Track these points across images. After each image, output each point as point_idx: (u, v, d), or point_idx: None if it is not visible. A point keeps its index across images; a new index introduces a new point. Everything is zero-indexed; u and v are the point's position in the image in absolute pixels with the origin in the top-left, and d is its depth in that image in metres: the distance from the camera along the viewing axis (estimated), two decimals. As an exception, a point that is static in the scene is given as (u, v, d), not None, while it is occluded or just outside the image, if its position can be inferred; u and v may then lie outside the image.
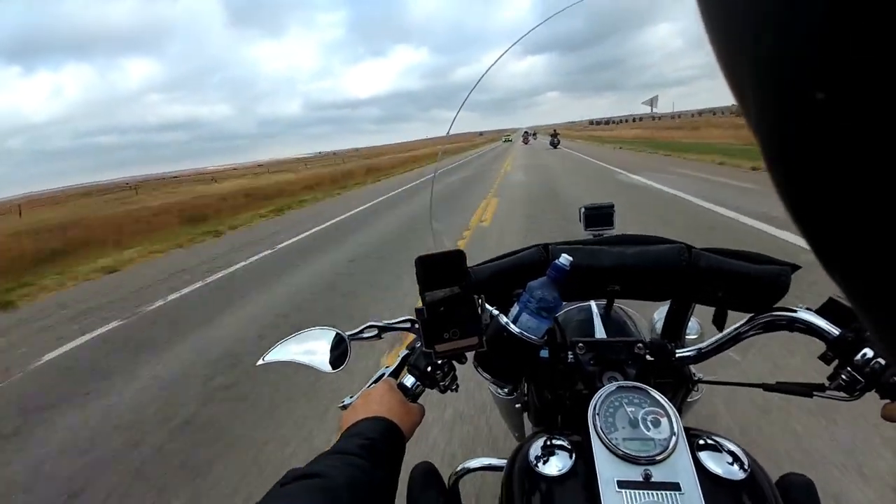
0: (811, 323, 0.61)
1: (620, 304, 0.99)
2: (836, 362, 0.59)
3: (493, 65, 0.74)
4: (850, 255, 0.13)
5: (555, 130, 30.81)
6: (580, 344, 0.70)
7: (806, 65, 0.11)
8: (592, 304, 0.98)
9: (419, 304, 0.59)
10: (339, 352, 0.71)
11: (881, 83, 0.10)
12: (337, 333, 0.72)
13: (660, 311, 0.97)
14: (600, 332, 0.90)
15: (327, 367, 0.70)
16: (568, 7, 0.71)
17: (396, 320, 0.72)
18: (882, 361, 0.55)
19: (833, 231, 0.13)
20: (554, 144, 29.46)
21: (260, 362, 0.71)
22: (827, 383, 0.60)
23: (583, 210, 1.24)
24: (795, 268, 0.65)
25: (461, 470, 0.78)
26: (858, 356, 0.56)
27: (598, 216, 1.22)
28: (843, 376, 0.57)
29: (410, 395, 0.63)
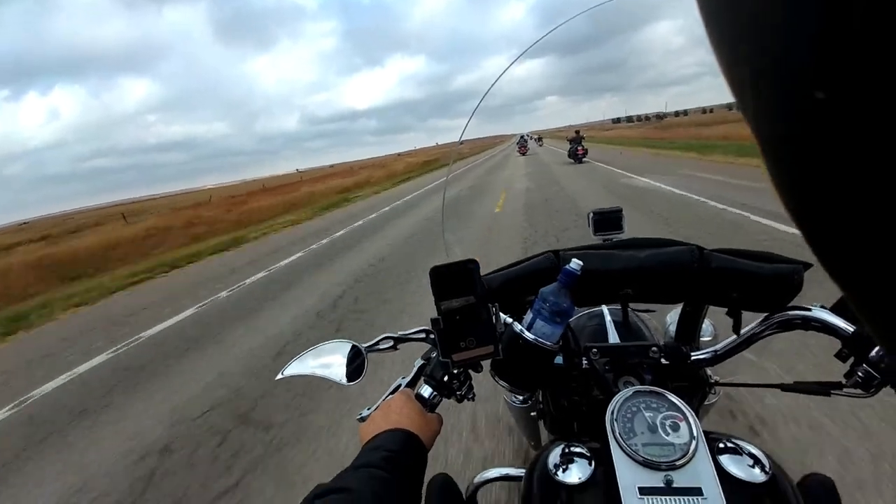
0: (826, 321, 0.61)
1: (633, 309, 0.99)
2: (851, 359, 0.59)
3: (499, 77, 0.75)
4: (849, 255, 0.13)
5: (577, 131, 17.87)
6: (594, 349, 0.70)
7: (805, 65, 0.11)
8: (605, 309, 0.98)
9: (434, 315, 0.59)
10: (357, 364, 0.72)
11: (880, 82, 0.10)
12: (353, 346, 0.73)
13: (672, 314, 0.97)
14: (614, 337, 0.90)
15: (345, 380, 0.71)
16: (578, 15, 0.72)
17: (412, 331, 0.73)
18: None
19: (832, 231, 0.13)
20: (576, 157, 16.58)
21: (279, 377, 0.72)
22: (844, 381, 0.60)
23: (591, 215, 1.24)
24: (808, 266, 0.64)
25: (479, 481, 0.78)
26: (874, 352, 0.56)
27: (607, 220, 1.23)
28: (860, 373, 0.57)
29: (428, 405, 0.64)
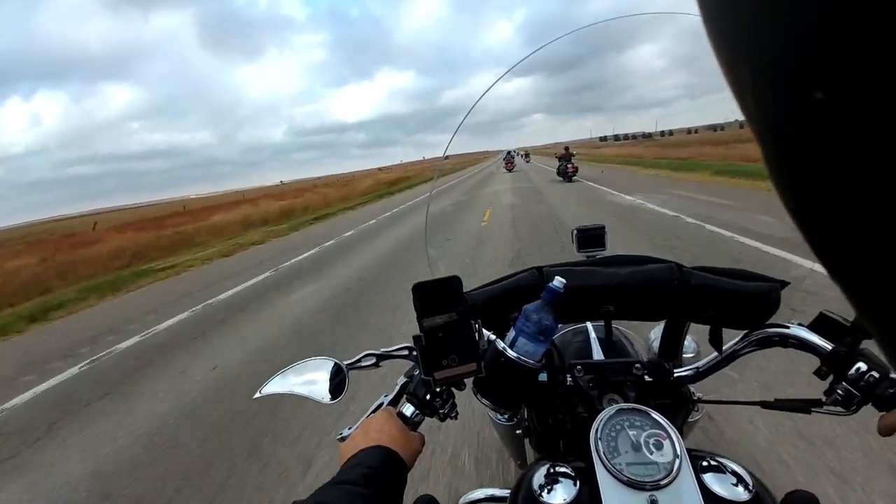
0: (804, 339, 0.62)
1: (617, 325, 0.99)
2: (831, 377, 0.60)
3: (485, 93, 0.76)
4: (850, 255, 0.13)
5: (567, 148, 16.57)
6: (578, 366, 0.70)
7: (805, 64, 0.11)
8: (589, 325, 0.98)
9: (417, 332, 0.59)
10: (338, 381, 0.70)
11: (880, 82, 0.10)
12: (335, 363, 0.72)
13: (655, 331, 0.97)
14: (598, 354, 0.90)
15: (326, 398, 0.69)
16: (563, 36, 0.74)
17: (394, 348, 0.72)
18: (876, 374, 0.56)
19: (834, 232, 0.13)
20: (566, 175, 15.55)
21: (257, 395, 0.70)
22: (824, 398, 0.60)
23: (575, 232, 1.26)
24: (784, 284, 0.66)
25: (464, 502, 0.76)
26: (853, 370, 0.57)
27: (590, 237, 1.24)
28: (839, 391, 0.58)
29: (410, 423, 0.63)
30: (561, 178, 16.04)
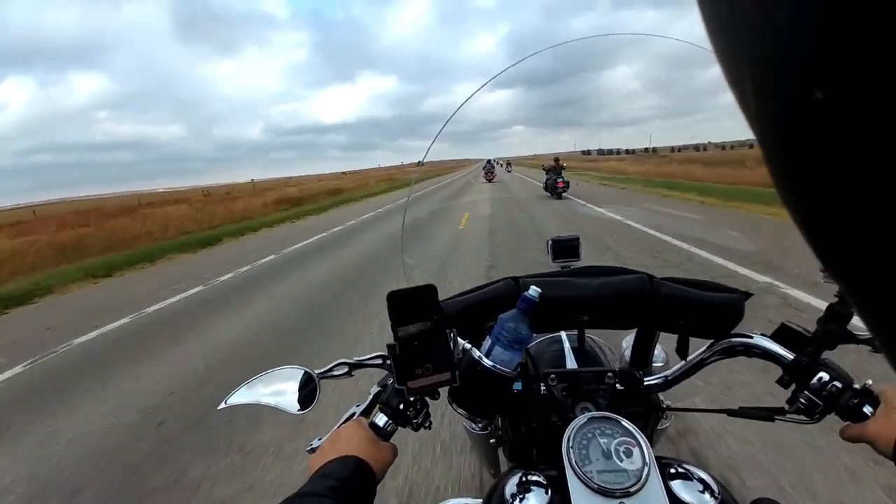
0: (766, 348, 0.64)
1: (591, 335, 1.01)
2: (793, 386, 0.62)
3: (466, 100, 0.77)
4: (849, 254, 0.13)
5: (557, 159, 14.60)
6: (552, 375, 0.70)
7: (805, 64, 0.11)
8: (563, 335, 0.99)
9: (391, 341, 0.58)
10: (308, 391, 0.68)
11: (880, 82, 0.10)
12: (305, 372, 0.70)
13: (627, 339, 0.99)
14: (572, 363, 0.91)
15: (295, 408, 0.67)
16: (543, 50, 0.75)
17: (367, 357, 0.71)
18: (839, 385, 0.58)
19: (835, 232, 0.13)
20: (555, 190, 13.57)
21: (222, 406, 0.68)
22: (786, 407, 0.63)
23: (550, 242, 1.27)
24: (748, 295, 0.68)
25: None
26: (815, 380, 0.59)
27: (565, 248, 1.26)
28: (802, 400, 0.60)
29: (382, 434, 0.62)
30: (549, 195, 14.13)
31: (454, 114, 0.79)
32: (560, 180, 13.62)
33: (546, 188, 14.53)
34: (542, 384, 0.71)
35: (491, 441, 1.13)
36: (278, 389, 0.69)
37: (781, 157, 0.13)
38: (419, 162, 0.95)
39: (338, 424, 0.63)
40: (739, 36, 0.13)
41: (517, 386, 0.70)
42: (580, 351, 0.93)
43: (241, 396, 0.69)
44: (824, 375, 0.59)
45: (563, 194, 13.69)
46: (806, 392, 0.59)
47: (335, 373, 0.70)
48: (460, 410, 0.70)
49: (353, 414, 0.65)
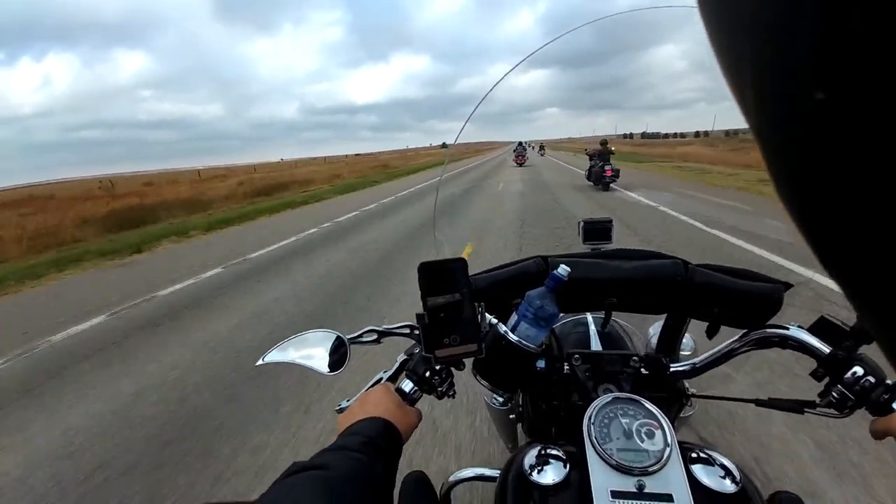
0: (803, 340, 0.63)
1: (617, 319, 1.00)
2: (826, 379, 0.60)
3: (499, 81, 0.76)
4: (849, 254, 0.13)
5: (604, 142, 12.10)
6: (576, 355, 0.71)
7: (804, 65, 0.11)
8: (589, 316, 0.99)
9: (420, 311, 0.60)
10: (339, 355, 0.71)
11: (879, 83, 0.10)
12: (337, 336, 0.73)
13: (655, 326, 0.98)
14: (596, 345, 0.91)
15: (326, 370, 0.71)
16: (580, 27, 0.73)
17: (396, 325, 0.73)
18: (872, 379, 0.57)
19: (834, 233, 0.13)
20: (602, 180, 11.28)
21: (259, 363, 0.72)
22: (818, 400, 0.61)
23: (581, 224, 1.26)
24: (788, 286, 0.66)
25: (454, 480, 0.78)
26: (849, 374, 0.57)
27: (597, 230, 1.24)
28: (834, 393, 0.58)
29: (408, 399, 0.64)
30: (593, 184, 11.79)
31: (485, 97, 0.78)
32: (609, 168, 11.18)
33: (589, 177, 12.07)
34: (565, 363, 0.71)
35: (511, 416, 1.15)
36: (310, 352, 0.73)
37: (781, 158, 0.13)
38: (444, 144, 0.94)
39: (366, 388, 0.66)
40: (739, 36, 0.13)
41: (540, 364, 0.71)
42: (605, 334, 0.93)
43: (276, 355, 0.72)
44: (858, 370, 0.57)
45: (612, 185, 11.31)
46: (839, 386, 0.58)
47: (364, 339, 0.73)
48: (484, 382, 0.71)
49: (381, 379, 0.68)
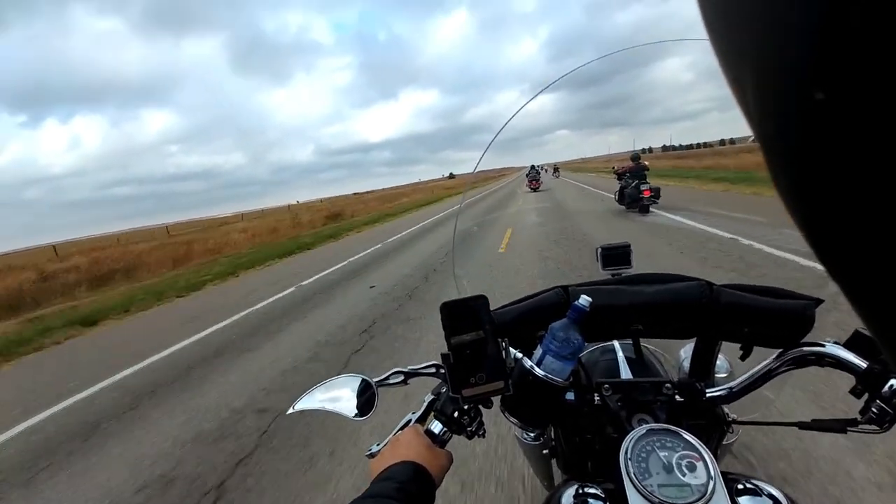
0: (839, 357, 0.60)
1: (646, 344, 0.98)
2: (866, 395, 0.58)
3: (514, 115, 0.78)
4: (850, 255, 0.13)
5: (637, 157, 10.13)
6: (606, 385, 0.69)
7: (805, 65, 0.11)
8: (616, 344, 0.97)
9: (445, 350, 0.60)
10: (366, 398, 0.72)
11: (879, 83, 0.10)
12: (363, 380, 0.73)
13: (685, 350, 0.95)
14: (626, 373, 0.88)
15: (354, 413, 0.71)
16: (591, 62, 0.75)
17: (422, 365, 0.73)
18: None
19: (835, 233, 0.13)
20: (639, 202, 8.92)
21: (290, 411, 0.72)
22: (859, 417, 0.58)
23: (600, 250, 1.25)
24: (819, 302, 0.64)
25: None
26: (886, 388, 0.55)
27: (616, 256, 1.23)
28: (874, 409, 0.56)
29: (438, 441, 0.63)
30: (625, 208, 9.72)
31: (499, 132, 0.81)
32: (646, 187, 9.03)
33: (621, 200, 9.79)
34: (595, 395, 0.70)
35: (544, 452, 1.12)
36: (337, 396, 0.73)
37: (781, 158, 0.13)
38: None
39: (394, 431, 0.65)
40: (740, 36, 0.13)
41: (569, 396, 0.70)
42: (635, 361, 0.91)
43: (305, 403, 0.73)
44: (895, 382, 0.54)
45: (652, 208, 9.00)
46: (877, 401, 0.55)
47: (391, 381, 0.73)
48: (513, 419, 0.70)
49: (409, 421, 0.67)
